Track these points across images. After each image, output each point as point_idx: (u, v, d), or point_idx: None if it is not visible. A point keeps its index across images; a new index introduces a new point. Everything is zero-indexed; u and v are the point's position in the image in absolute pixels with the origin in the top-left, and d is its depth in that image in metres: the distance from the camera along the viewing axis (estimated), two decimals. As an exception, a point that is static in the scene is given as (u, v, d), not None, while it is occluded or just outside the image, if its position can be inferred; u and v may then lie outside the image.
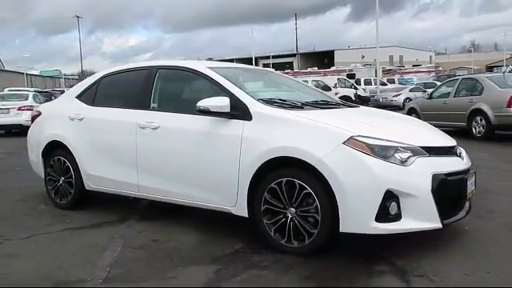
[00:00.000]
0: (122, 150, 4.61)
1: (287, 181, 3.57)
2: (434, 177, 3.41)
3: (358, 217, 3.34)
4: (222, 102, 3.86)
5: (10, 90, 23.38)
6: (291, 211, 3.58)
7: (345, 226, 3.38)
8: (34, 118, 5.73)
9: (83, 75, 78.55)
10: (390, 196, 3.31)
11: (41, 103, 17.78)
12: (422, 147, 3.53)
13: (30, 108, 16.12)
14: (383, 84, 31.87)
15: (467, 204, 3.88)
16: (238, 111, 3.88)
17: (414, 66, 55.74)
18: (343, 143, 3.40)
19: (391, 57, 64.34)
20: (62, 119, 5.17)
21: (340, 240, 3.60)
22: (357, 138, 3.41)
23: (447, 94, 12.02)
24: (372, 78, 33.45)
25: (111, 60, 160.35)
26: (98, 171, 4.83)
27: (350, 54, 63.33)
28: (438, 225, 3.44)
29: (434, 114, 11.63)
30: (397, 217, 3.36)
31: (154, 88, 4.56)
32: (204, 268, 3.42)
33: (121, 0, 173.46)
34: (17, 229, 4.54)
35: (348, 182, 3.33)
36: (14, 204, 5.61)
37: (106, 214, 4.96)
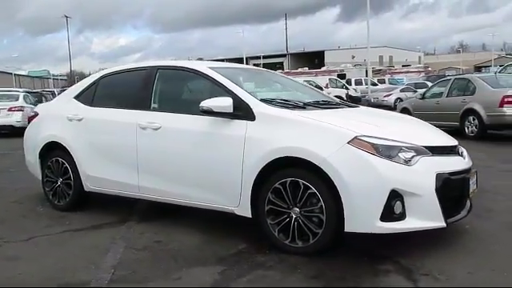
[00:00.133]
0: (122, 150, 4.58)
1: (291, 181, 3.58)
2: (438, 176, 3.43)
3: (363, 216, 3.35)
4: (225, 103, 3.85)
5: (-1, 91, 23.15)
6: (295, 211, 3.59)
7: (350, 226, 3.39)
8: (30, 119, 5.67)
9: (72, 75, 78.16)
10: (395, 195, 3.32)
11: (31, 104, 17.62)
12: (425, 147, 3.55)
13: (21, 109, 15.99)
14: (374, 84, 32.05)
15: (468, 203, 3.91)
16: (241, 111, 3.88)
17: (403, 66, 56.12)
18: (348, 143, 3.41)
19: (381, 57, 64.74)
20: (60, 120, 5.12)
21: (343, 240, 3.61)
22: (361, 137, 3.42)
23: (440, 94, 12.12)
24: (363, 78, 33.63)
25: (100, 60, 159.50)
26: (98, 172, 4.80)
27: (340, 54, 63.64)
28: (442, 224, 3.46)
29: (426, 114, 11.67)
30: (401, 216, 3.37)
31: (155, 88, 4.54)
32: (209, 269, 3.41)
33: (110, 0, 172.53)
34: (15, 231, 4.48)
35: (353, 181, 3.34)
36: (10, 206, 5.55)
37: (105, 215, 4.92)
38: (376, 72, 43.23)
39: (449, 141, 3.96)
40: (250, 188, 3.75)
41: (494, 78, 11.35)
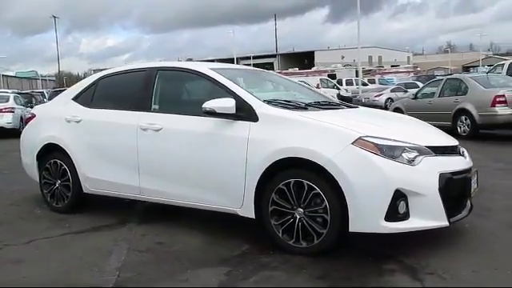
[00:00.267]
0: (122, 152, 4.56)
1: (295, 181, 3.59)
2: (441, 176, 3.46)
3: (367, 216, 3.37)
4: (227, 104, 3.85)
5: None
6: (299, 212, 3.60)
7: (354, 226, 3.40)
8: (27, 121, 5.63)
9: (60, 76, 77.50)
10: (399, 195, 3.35)
11: (22, 105, 17.49)
12: (427, 147, 3.58)
13: (12, 110, 15.84)
14: (364, 84, 32.20)
15: (469, 203, 3.96)
16: (244, 112, 3.88)
17: (392, 66, 56.52)
18: (352, 143, 3.43)
19: (370, 57, 65.11)
20: (58, 121, 5.09)
21: (348, 240, 3.64)
22: (365, 138, 3.44)
23: (432, 94, 12.23)
24: (353, 79, 33.79)
25: (89, 61, 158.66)
26: (97, 174, 4.77)
27: (330, 54, 63.83)
28: (445, 223, 3.49)
29: (419, 114, 11.67)
30: (405, 216, 3.40)
31: (155, 89, 4.52)
32: (214, 270, 3.41)
33: (98, 0, 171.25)
34: (15, 234, 4.44)
35: (357, 181, 3.36)
36: (8, 208, 5.50)
37: (104, 217, 4.89)
38: (366, 72, 43.44)
39: (450, 141, 4.00)
40: (254, 189, 3.76)
41: (486, 78, 11.47)
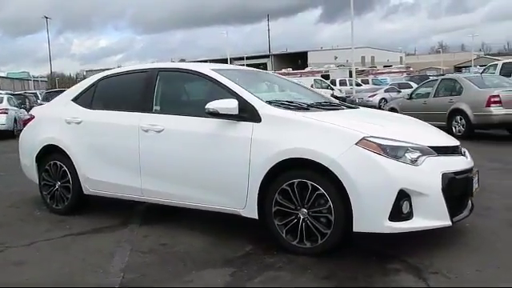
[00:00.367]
0: (123, 153, 4.55)
1: (299, 182, 3.60)
2: (444, 176, 3.49)
3: (371, 216, 3.39)
4: (230, 105, 3.86)
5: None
6: (303, 212, 3.61)
7: (358, 226, 3.42)
8: (26, 122, 5.59)
9: (52, 77, 77.06)
10: (403, 195, 3.37)
11: (15, 106, 17.38)
12: (430, 147, 3.61)
13: (5, 111, 15.71)
14: (358, 85, 32.30)
15: (470, 203, 3.99)
16: (246, 113, 3.88)
17: (385, 66, 56.75)
18: (356, 144, 3.45)
19: (363, 57, 65.34)
20: (58, 123, 5.06)
21: (352, 240, 3.65)
22: (369, 138, 3.46)
23: (427, 95, 12.30)
24: (347, 79, 33.89)
25: (81, 62, 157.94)
26: (98, 175, 4.75)
27: (323, 55, 64.02)
28: (448, 223, 3.52)
29: (414, 114, 11.72)
30: (409, 215, 3.42)
31: (156, 90, 4.51)
32: (219, 271, 3.41)
33: (90, 0, 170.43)
34: (15, 236, 4.42)
35: (362, 182, 3.38)
36: (7, 210, 5.47)
37: (105, 218, 4.88)
38: (359, 72, 43.60)
39: (451, 141, 4.03)
40: (257, 190, 3.76)
41: (480, 79, 11.56)
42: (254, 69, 5.87)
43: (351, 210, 3.42)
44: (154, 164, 4.35)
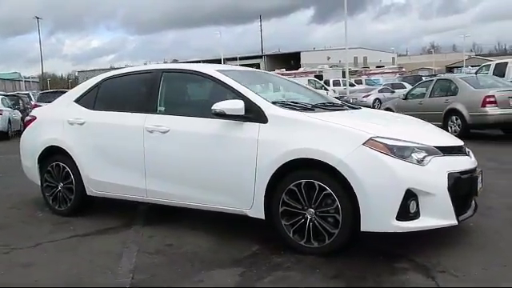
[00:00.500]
0: (127, 154, 4.55)
1: (306, 182, 3.62)
2: (450, 175, 3.53)
3: (379, 216, 3.42)
4: (237, 105, 3.87)
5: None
6: (310, 212, 3.63)
7: (366, 225, 3.45)
8: (27, 123, 5.57)
9: (44, 78, 76.58)
10: (410, 195, 3.40)
11: (9, 107, 17.27)
12: (435, 147, 3.65)
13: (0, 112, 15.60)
14: (351, 85, 32.41)
15: (473, 202, 4.03)
16: (252, 114, 3.90)
17: (377, 67, 56.98)
18: (363, 144, 3.48)
19: (356, 58, 65.55)
20: (61, 124, 5.05)
21: (359, 240, 3.68)
22: (376, 138, 3.49)
23: (422, 95, 12.40)
24: (340, 79, 33.99)
25: (73, 62, 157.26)
26: (101, 176, 4.75)
27: (316, 55, 64.22)
28: (454, 222, 3.56)
29: (410, 114, 11.86)
30: (416, 215, 3.45)
31: (161, 91, 4.52)
32: (228, 271, 3.43)
33: (82, 1, 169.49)
34: (20, 237, 4.40)
35: (369, 182, 3.41)
36: (8, 212, 5.44)
37: (108, 219, 4.87)
38: (352, 73, 43.76)
39: (455, 141, 4.07)
40: (264, 190, 3.78)
41: (475, 79, 11.66)
42: (256, 69, 5.89)
43: (359, 210, 3.44)
44: (159, 165, 4.35)
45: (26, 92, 27.12)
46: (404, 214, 3.40)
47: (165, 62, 71.77)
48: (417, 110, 12.07)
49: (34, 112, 5.73)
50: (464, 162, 3.82)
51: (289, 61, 63.66)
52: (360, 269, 3.37)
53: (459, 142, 4.05)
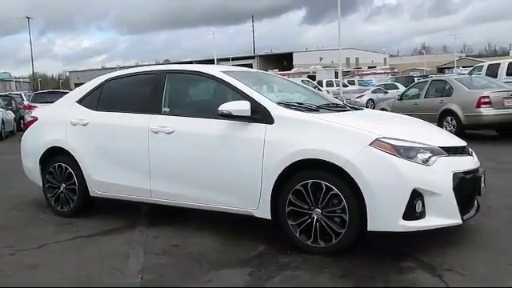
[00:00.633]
0: (132, 154, 4.56)
1: (313, 182, 3.65)
2: (455, 175, 3.58)
3: (386, 215, 3.46)
4: (243, 106, 3.90)
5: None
6: (317, 212, 3.66)
7: (373, 225, 3.49)
8: (28, 124, 5.55)
9: (35, 78, 76.01)
10: (416, 195, 3.45)
11: (2, 107, 17.15)
12: (440, 147, 3.70)
13: (-7, 113, 15.49)
14: (344, 85, 32.52)
15: (476, 202, 4.08)
16: (258, 115, 3.93)
17: (369, 67, 57.24)
18: (369, 145, 3.51)
19: (348, 59, 65.76)
20: (63, 125, 5.04)
21: (365, 239, 3.71)
22: (382, 139, 3.53)
23: (418, 96, 12.49)
24: (333, 80, 34.09)
25: (64, 62, 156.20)
26: (105, 177, 4.75)
27: (308, 56, 64.40)
28: (459, 221, 3.61)
29: (405, 115, 12.00)
30: (421, 214, 3.50)
31: (165, 92, 4.53)
32: (236, 271, 3.45)
33: (73, 1, 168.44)
34: (23, 239, 4.39)
35: (376, 182, 3.44)
36: (10, 213, 5.42)
37: (111, 220, 4.87)
38: (345, 73, 43.92)
39: (459, 141, 4.13)
40: (270, 190, 3.81)
41: (470, 80, 11.78)
42: (258, 70, 5.91)
43: (365, 210, 3.48)
44: (165, 165, 4.36)
45: (18, 92, 26.87)
46: (410, 213, 3.45)
47: (156, 63, 71.71)
48: (412, 110, 12.14)
49: (35, 113, 5.71)
50: (467, 162, 3.87)
51: (281, 61, 63.80)
52: (368, 268, 3.41)
53: (462, 143, 4.11)
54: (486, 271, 3.29)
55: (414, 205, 3.45)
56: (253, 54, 71.18)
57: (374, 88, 26.77)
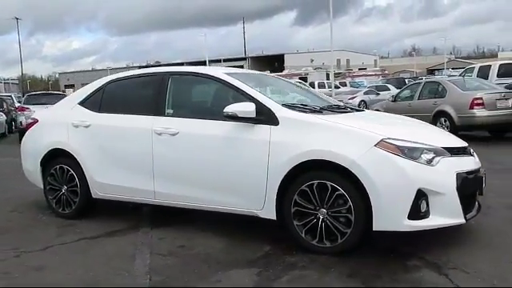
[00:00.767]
0: (135, 156, 4.57)
1: (318, 183, 3.69)
2: (458, 175, 3.64)
3: (391, 215, 3.51)
4: (248, 108, 3.93)
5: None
6: (322, 212, 3.70)
7: (378, 225, 3.53)
8: (29, 126, 5.53)
9: (24, 79, 75.34)
10: (421, 194, 3.50)
11: (-7, 109, 17.00)
12: (443, 148, 3.76)
13: (-16, 115, 15.37)
14: (336, 87, 32.68)
15: (476, 203, 4.15)
16: (263, 116, 3.96)
17: (359, 69, 57.54)
18: (375, 145, 3.56)
19: (339, 60, 66.04)
20: (65, 126, 5.04)
21: (371, 239, 3.76)
22: (387, 140, 3.58)
23: (411, 97, 12.61)
24: (325, 81, 34.24)
25: (53, 63, 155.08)
26: (108, 179, 4.75)
27: (300, 57, 64.64)
28: (462, 220, 3.67)
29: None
30: (426, 214, 3.55)
31: (168, 94, 4.55)
32: (244, 271, 3.48)
33: (63, 1, 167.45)
34: (27, 241, 4.38)
35: (381, 182, 3.49)
36: (10, 215, 5.39)
37: (113, 222, 4.88)
38: (336, 75, 44.12)
39: (460, 142, 4.19)
40: (276, 191, 3.84)
41: (463, 81, 11.92)
42: (259, 72, 5.94)
43: (371, 210, 3.53)
44: (169, 167, 4.38)
45: (9, 94, 26.64)
46: (415, 213, 3.50)
47: (147, 64, 71.45)
48: (406, 111, 12.22)
49: (35, 115, 5.69)
50: (469, 163, 3.94)
51: (273, 63, 63.93)
52: (374, 267, 3.45)
53: (464, 143, 4.17)
54: (490, 269, 3.35)
55: (419, 204, 3.50)
56: (244, 56, 71.22)
57: (366, 89, 26.93)
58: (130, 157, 4.63)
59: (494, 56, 69.33)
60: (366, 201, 3.54)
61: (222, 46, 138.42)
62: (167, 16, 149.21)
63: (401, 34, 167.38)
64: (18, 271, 3.62)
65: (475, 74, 16.04)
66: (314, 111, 4.15)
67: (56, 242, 4.32)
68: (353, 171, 3.55)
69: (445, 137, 4.28)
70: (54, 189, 5.14)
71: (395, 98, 13.44)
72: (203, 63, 48.63)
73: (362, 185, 3.53)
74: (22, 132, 13.98)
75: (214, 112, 4.24)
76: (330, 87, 30.81)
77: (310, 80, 36.49)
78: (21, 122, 14.50)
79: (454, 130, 10.91)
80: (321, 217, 3.71)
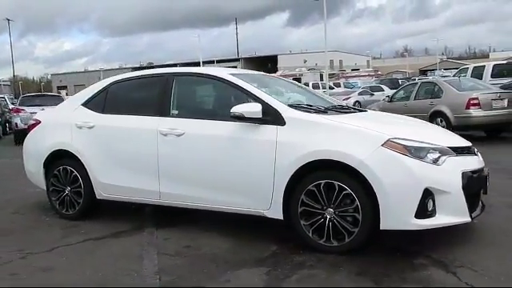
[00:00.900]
0: (140, 156, 4.57)
1: (326, 182, 3.72)
2: (464, 174, 3.68)
3: (399, 214, 3.54)
4: (255, 108, 3.95)
5: None
6: (329, 211, 3.73)
7: (385, 224, 3.56)
8: (31, 127, 5.51)
9: (16, 81, 74.84)
10: (428, 193, 3.54)
11: (-13, 110, 16.89)
12: (448, 147, 3.80)
13: (-21, 116, 15.26)
14: (330, 88, 32.78)
15: (480, 202, 4.19)
16: (269, 116, 3.98)
17: (352, 70, 57.70)
18: (382, 145, 3.60)
19: (332, 61, 66.21)
20: (68, 127, 5.03)
21: (378, 238, 3.79)
22: (394, 140, 3.62)
23: (407, 97, 12.68)
24: (319, 82, 34.30)
25: (45, 65, 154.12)
26: (112, 179, 4.75)
27: (293, 58, 64.69)
28: (468, 219, 3.71)
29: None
30: (432, 213, 3.59)
31: (173, 95, 4.56)
32: (253, 270, 3.50)
33: (55, 2, 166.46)
34: (31, 242, 4.37)
35: (389, 181, 3.52)
36: (12, 217, 5.38)
37: (117, 223, 4.88)
38: (330, 76, 44.23)
39: (464, 142, 4.23)
40: (283, 191, 3.86)
41: (459, 82, 12.01)
42: (261, 72, 5.95)
43: (378, 209, 3.56)
44: (174, 167, 4.38)
45: (2, 95, 26.44)
46: (422, 212, 3.54)
47: (140, 65, 71.26)
48: (402, 112, 12.26)
49: (37, 116, 5.67)
50: (474, 162, 3.98)
51: (266, 64, 63.95)
52: (382, 266, 3.48)
53: (468, 143, 4.22)
54: (497, 267, 3.39)
55: (426, 203, 3.54)
56: (237, 57, 71.23)
57: (361, 90, 27.05)
58: (134, 157, 4.63)
59: (485, 56, 69.87)
60: (373, 200, 3.57)
61: (214, 47, 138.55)
62: (159, 17, 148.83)
63: (393, 34, 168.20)
64: (25, 272, 3.62)
65: (469, 74, 16.15)
66: (319, 111, 4.17)
67: (61, 243, 4.32)
68: (361, 171, 3.58)
69: (449, 136, 4.33)
70: (58, 190, 5.13)
71: (391, 99, 13.51)
72: (197, 64, 48.61)
73: (370, 184, 3.56)
74: (17, 133, 13.98)
75: (219, 113, 4.25)
76: (324, 88, 30.87)
77: (303, 81, 36.50)
78: (16, 124, 14.42)
79: (451, 130, 11.02)
80: (328, 216, 3.73)
